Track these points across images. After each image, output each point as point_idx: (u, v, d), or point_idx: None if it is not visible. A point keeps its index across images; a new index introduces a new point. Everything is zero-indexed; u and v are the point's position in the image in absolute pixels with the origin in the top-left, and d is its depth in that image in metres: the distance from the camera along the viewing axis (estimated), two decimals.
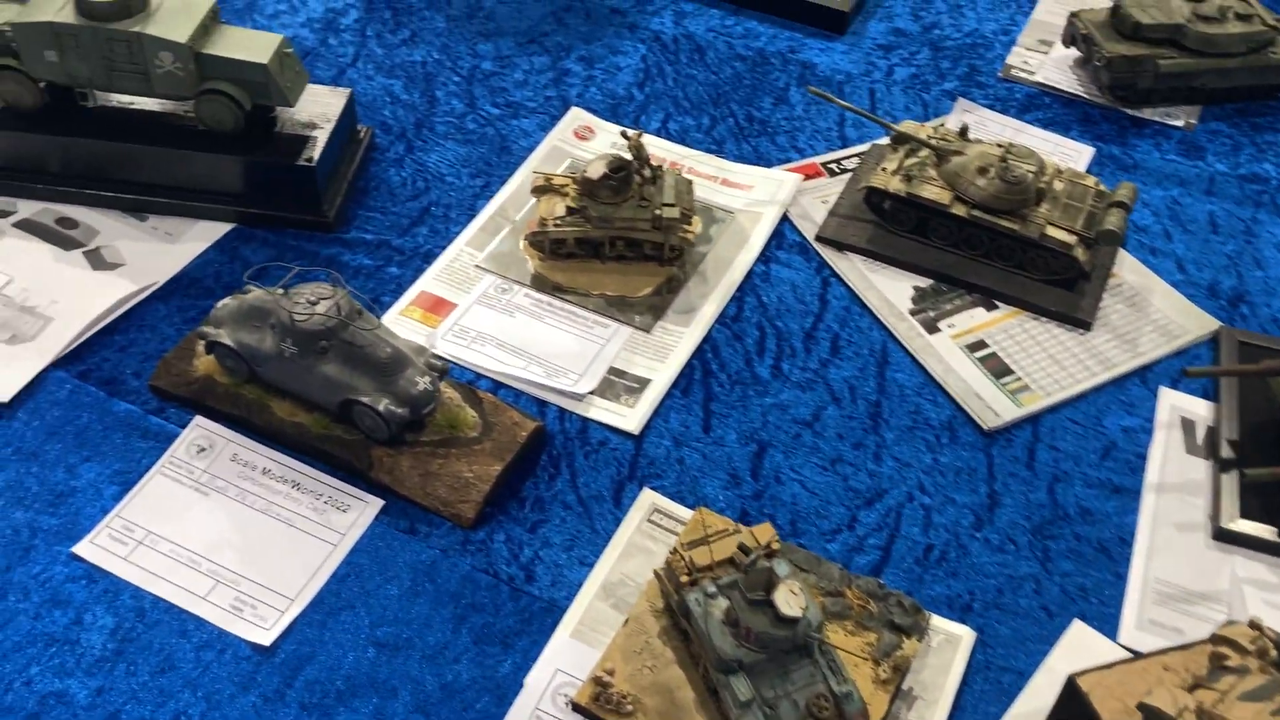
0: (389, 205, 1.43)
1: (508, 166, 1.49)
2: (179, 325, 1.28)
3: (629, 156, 1.33)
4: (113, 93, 1.36)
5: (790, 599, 0.92)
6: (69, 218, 1.39)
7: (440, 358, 1.17)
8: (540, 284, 1.35)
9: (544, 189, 1.39)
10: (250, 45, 1.33)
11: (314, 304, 1.11)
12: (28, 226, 1.37)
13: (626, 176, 1.32)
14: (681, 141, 1.55)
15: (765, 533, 0.99)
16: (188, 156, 1.36)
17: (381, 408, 1.11)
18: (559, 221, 1.34)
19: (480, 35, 1.70)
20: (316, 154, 1.36)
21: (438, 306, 1.32)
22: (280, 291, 1.14)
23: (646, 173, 1.34)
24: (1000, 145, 1.36)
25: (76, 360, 1.23)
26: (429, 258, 1.37)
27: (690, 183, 1.36)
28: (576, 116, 1.56)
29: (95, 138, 1.37)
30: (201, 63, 1.31)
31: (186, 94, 1.33)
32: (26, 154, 1.39)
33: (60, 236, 1.36)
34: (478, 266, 1.36)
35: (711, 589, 0.96)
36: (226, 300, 1.19)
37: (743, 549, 0.96)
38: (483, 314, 1.31)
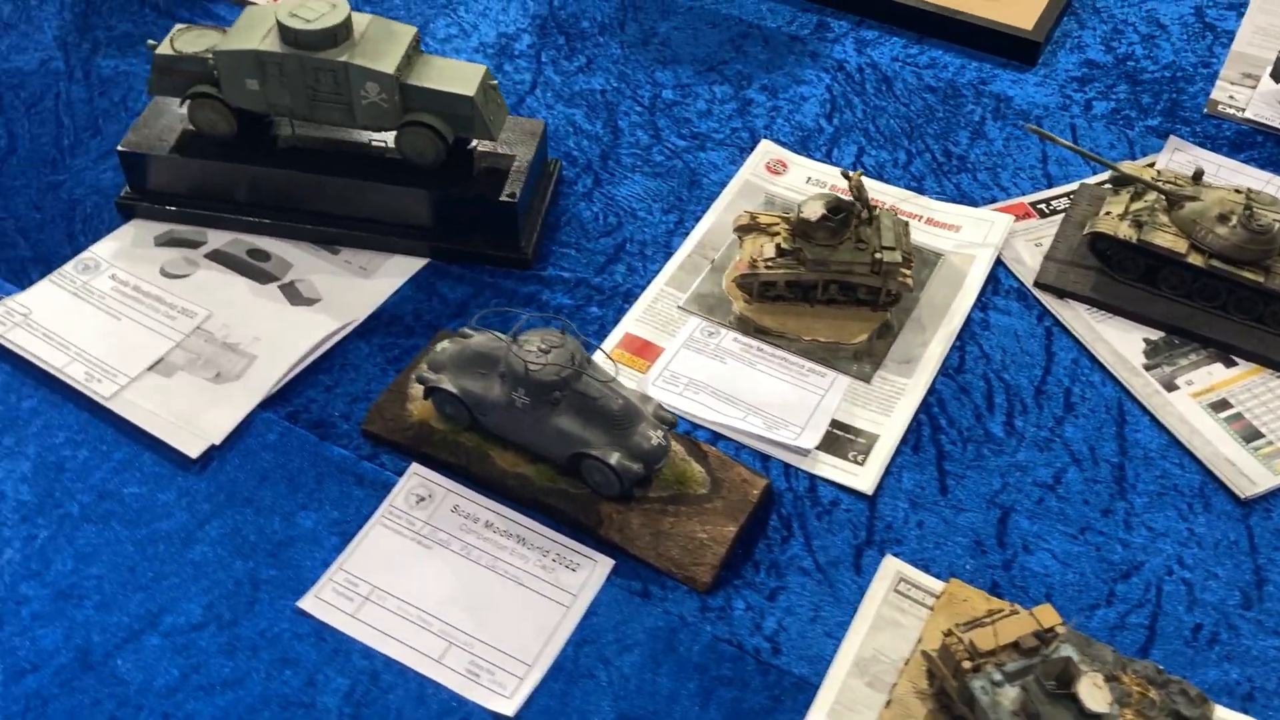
0: (582, 241, 1.39)
1: (700, 202, 1.44)
2: (382, 365, 1.23)
3: (846, 197, 1.27)
4: (311, 122, 1.33)
5: (1095, 693, 0.85)
6: (261, 249, 1.35)
7: (665, 409, 1.12)
8: (746, 327, 1.29)
9: (749, 228, 1.34)
10: (455, 76, 1.29)
11: (546, 352, 1.06)
12: (220, 258, 1.34)
13: (846, 218, 1.26)
14: (879, 178, 1.48)
15: (1049, 616, 0.92)
16: (384, 190, 1.32)
17: (615, 462, 1.05)
18: (770, 263, 1.28)
19: (657, 62, 1.65)
20: (518, 190, 1.32)
21: (644, 350, 1.26)
22: (508, 338, 1.10)
23: (864, 214, 1.28)
24: (1239, 191, 1.28)
25: (283, 401, 1.20)
26: (629, 297, 1.32)
27: (907, 224, 1.30)
28: (767, 150, 1.51)
29: (289, 168, 1.33)
30: (406, 94, 1.27)
31: (388, 125, 1.29)
32: (217, 183, 1.35)
33: (254, 269, 1.33)
34: (680, 308, 1.31)
35: (998, 676, 0.89)
36: (445, 344, 1.15)
37: (1039, 636, 0.90)
38: (691, 359, 1.25)
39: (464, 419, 1.13)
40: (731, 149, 1.52)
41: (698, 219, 1.42)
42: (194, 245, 1.35)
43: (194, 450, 1.14)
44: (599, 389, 1.06)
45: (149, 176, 1.36)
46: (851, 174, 1.27)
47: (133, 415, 1.16)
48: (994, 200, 1.46)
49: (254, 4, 1.68)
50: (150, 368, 1.20)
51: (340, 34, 1.25)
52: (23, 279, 1.31)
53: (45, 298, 1.27)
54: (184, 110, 1.34)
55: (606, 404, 1.06)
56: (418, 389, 1.18)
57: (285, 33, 1.24)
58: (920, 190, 1.47)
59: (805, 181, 1.47)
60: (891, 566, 1.07)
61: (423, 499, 1.11)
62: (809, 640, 1.02)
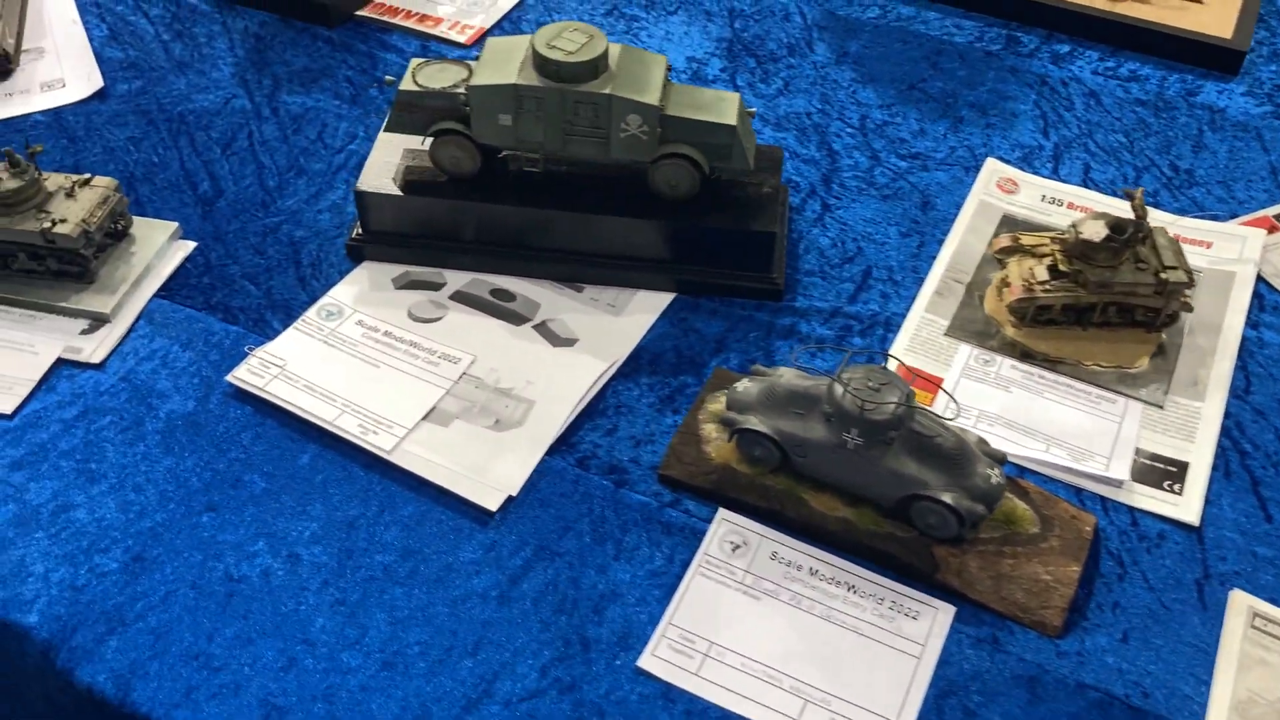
0: (826, 269, 1.34)
1: (936, 224, 1.40)
2: (656, 405, 1.19)
3: (1119, 215, 1.24)
4: (561, 158, 1.28)
5: None
6: (503, 289, 1.31)
7: (988, 444, 1.07)
8: (1014, 350, 1.25)
9: (1012, 250, 1.30)
10: (712, 105, 1.24)
11: (876, 390, 1.02)
12: (465, 300, 1.29)
13: (1129, 238, 1.22)
14: (1112, 194, 1.45)
15: None
16: (632, 224, 1.28)
17: (955, 503, 1.01)
18: (1047, 286, 1.24)
19: (856, 82, 1.61)
20: (775, 220, 1.27)
21: (922, 382, 1.22)
22: (833, 376, 1.05)
23: (1139, 233, 1.24)
24: None
25: (568, 447, 1.15)
26: (890, 326, 1.28)
27: (1178, 242, 1.26)
28: (995, 169, 1.47)
29: (533, 206, 1.28)
30: (665, 125, 1.23)
31: (644, 158, 1.25)
32: (455, 222, 1.31)
33: (502, 310, 1.28)
34: (946, 335, 1.27)
35: None
36: (745, 384, 1.10)
37: None
38: (975, 389, 1.21)
39: (774, 460, 1.08)
40: (954, 168, 1.48)
41: (939, 241, 1.38)
42: (435, 287, 1.30)
43: (492, 503, 1.09)
44: (933, 426, 1.02)
45: (385, 218, 1.31)
46: (1134, 192, 1.23)
47: (418, 468, 1.11)
48: (1234, 214, 1.42)
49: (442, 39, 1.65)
50: (425, 417, 1.16)
51: (600, 65, 1.21)
52: (264, 327, 1.26)
53: (296, 347, 1.22)
54: (424, 147, 1.29)
55: (942, 442, 1.02)
56: (710, 429, 1.13)
57: (544, 65, 1.20)
58: (1156, 205, 1.43)
59: (1041, 199, 1.43)
60: (1242, 601, 1.03)
61: (738, 546, 1.07)
62: (1175, 683, 0.98)
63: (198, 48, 1.66)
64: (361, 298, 1.29)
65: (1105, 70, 1.64)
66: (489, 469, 1.11)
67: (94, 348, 1.23)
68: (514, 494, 1.10)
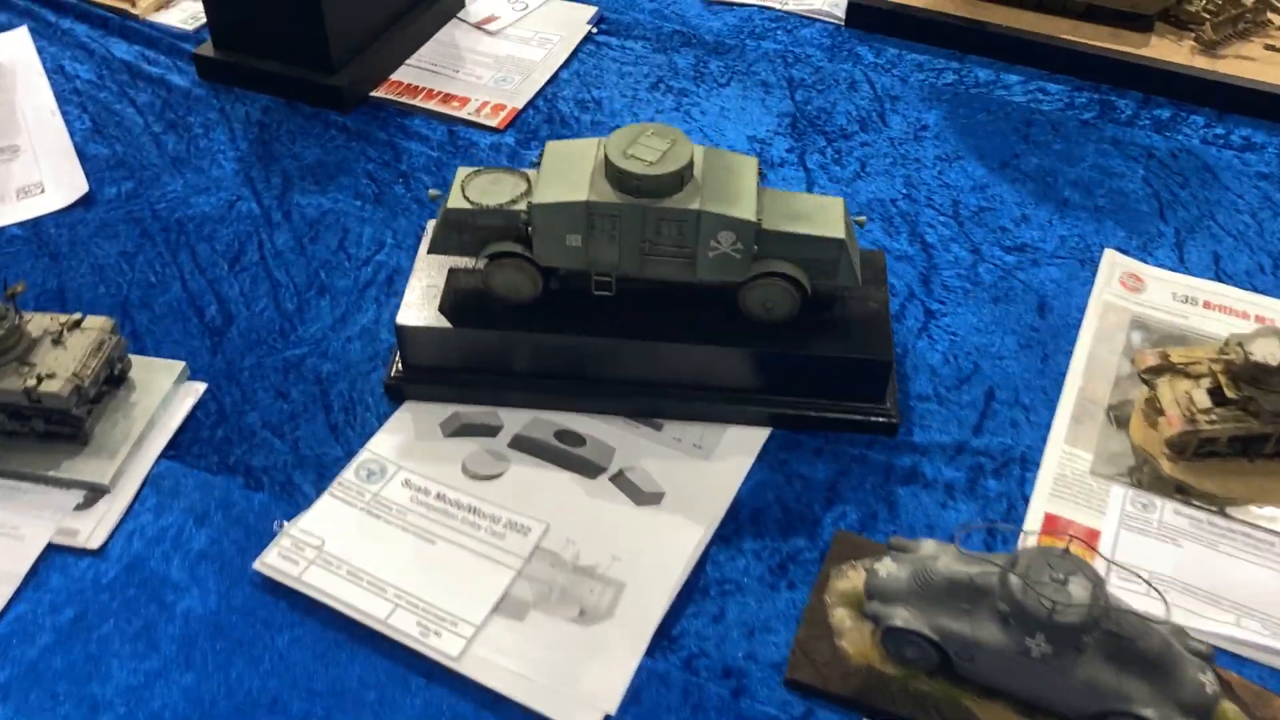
0: (940, 391, 1.16)
1: (1057, 331, 1.22)
2: (768, 580, 1.00)
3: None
4: (637, 279, 1.08)
5: None
6: (569, 430, 1.12)
7: (1191, 635, 0.89)
8: (1171, 489, 1.07)
9: (1161, 370, 1.12)
10: (813, 215, 1.06)
11: (1063, 582, 0.84)
12: (526, 446, 1.10)
13: None
14: (1250, 287, 1.28)
15: None
16: (722, 352, 1.10)
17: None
18: (1212, 416, 1.06)
19: (941, 161, 1.43)
20: (889, 342, 1.09)
21: (1072, 535, 1.04)
22: (996, 561, 0.87)
23: None
24: None
25: (667, 642, 0.95)
26: (1026, 463, 1.10)
27: None
28: (1115, 262, 1.29)
29: (602, 334, 1.10)
30: (761, 240, 1.05)
31: (737, 279, 1.07)
32: (512, 353, 1.12)
33: (572, 459, 1.09)
34: (1093, 474, 1.09)
35: None
36: (887, 564, 0.92)
37: None
38: (1137, 544, 1.03)
39: (931, 663, 0.89)
40: (1068, 261, 1.30)
41: (1066, 354, 1.20)
42: (491, 432, 1.11)
43: None
44: (1134, 626, 0.84)
45: (430, 352, 1.12)
46: None
47: (493, 680, 0.92)
48: None
49: (482, 125, 1.46)
50: (495, 609, 0.97)
51: (686, 175, 1.03)
52: (292, 492, 1.06)
53: (334, 520, 1.03)
54: (472, 266, 1.11)
55: (1145, 644, 0.83)
56: (842, 616, 0.94)
57: (621, 178, 1.01)
58: None
59: (1172, 298, 1.25)
60: None
61: None
62: None
63: (193, 140, 1.47)
64: (406, 450, 1.09)
65: (1216, 139, 1.47)
66: (579, 678, 0.92)
67: (91, 528, 1.03)
68: (611, 713, 0.91)
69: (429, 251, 1.10)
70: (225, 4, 1.53)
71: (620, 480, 1.07)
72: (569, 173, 1.05)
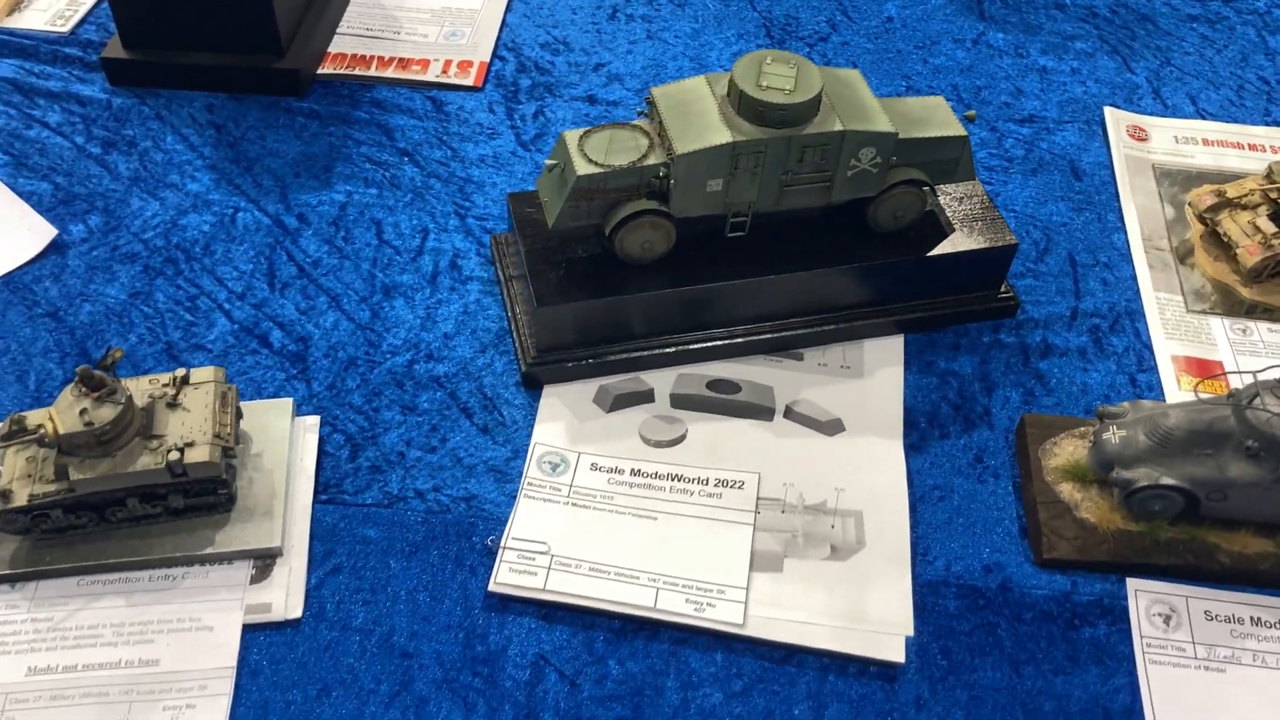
0: (1029, 265, 1.21)
1: (1098, 189, 1.29)
2: (974, 476, 1.03)
3: None
4: (770, 213, 1.06)
5: None
6: (721, 379, 1.09)
7: None
8: (1251, 312, 1.18)
9: (1217, 207, 1.22)
10: (931, 116, 1.07)
11: None
12: (691, 404, 1.06)
13: None
14: (1230, 119, 1.39)
15: None
16: (856, 271, 1.09)
17: None
18: None
19: (920, 50, 1.47)
20: (1006, 227, 1.13)
21: (1203, 368, 1.13)
22: (1228, 404, 0.93)
23: None
24: None
25: (922, 558, 0.97)
26: (1133, 315, 1.17)
27: None
28: (1119, 118, 1.37)
29: (740, 276, 1.06)
30: (898, 150, 1.05)
31: (872, 193, 1.06)
32: (647, 315, 1.07)
33: (740, 406, 1.06)
34: (1191, 312, 1.18)
35: None
36: (1113, 433, 0.96)
37: None
38: (1254, 364, 1.13)
39: (1175, 510, 0.95)
40: (1075, 124, 1.37)
41: (1114, 210, 1.28)
42: (647, 398, 1.07)
43: (894, 652, 0.89)
44: None
45: (564, 331, 1.06)
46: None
47: (784, 634, 0.90)
48: None
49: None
50: (753, 568, 0.94)
51: (821, 99, 1.01)
52: (478, 506, 0.98)
53: (543, 522, 0.96)
54: (607, 235, 1.04)
55: None
56: (1069, 490, 0.98)
57: (763, 111, 0.98)
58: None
59: (1175, 141, 1.36)
60: None
61: (1168, 617, 0.94)
62: None
63: (144, 155, 1.29)
64: (575, 434, 1.04)
65: None
66: (865, 611, 0.92)
67: (282, 597, 0.92)
68: (910, 635, 0.92)
69: (556, 227, 1.03)
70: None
71: (795, 415, 1.07)
72: (696, 117, 1.01)
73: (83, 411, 0.89)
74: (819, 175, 1.03)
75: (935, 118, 1.07)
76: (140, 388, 0.94)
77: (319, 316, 1.13)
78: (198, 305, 1.14)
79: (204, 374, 0.96)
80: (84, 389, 0.90)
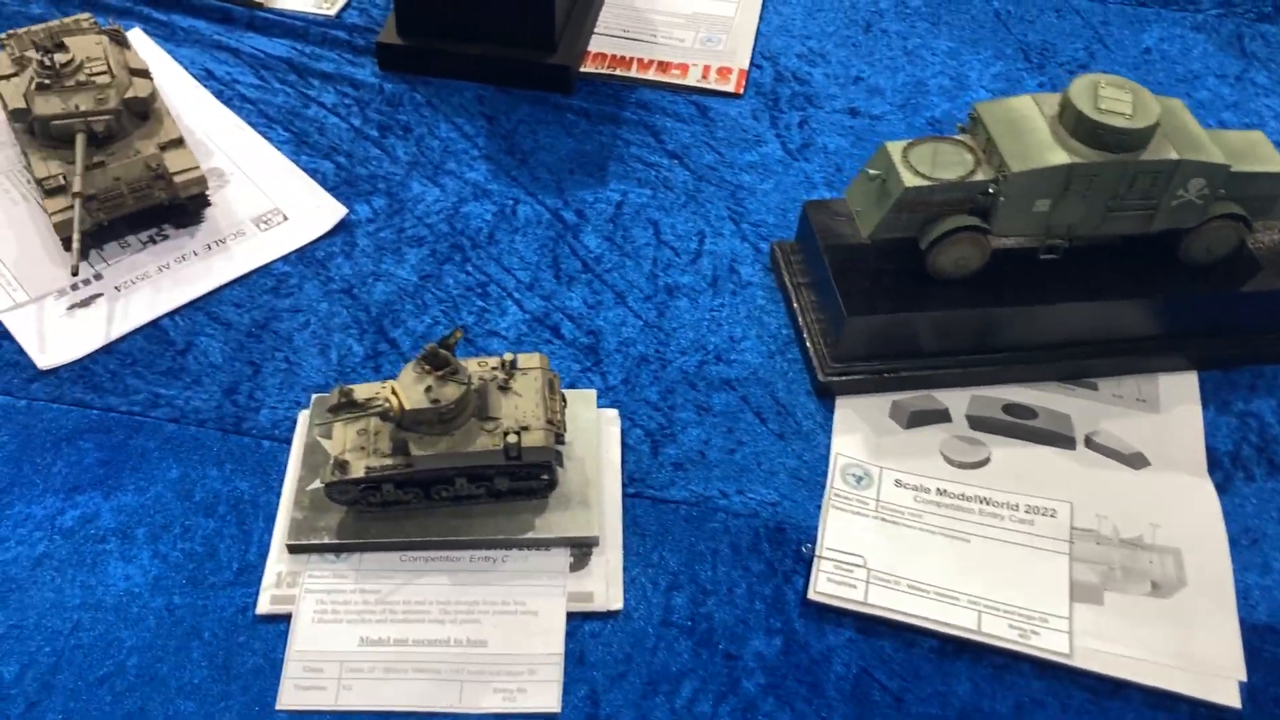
0: None
1: None
2: None
3: None
4: (1088, 237, 1.05)
5: None
6: (1015, 404, 1.07)
7: None
8: None
9: None
10: (1254, 150, 1.05)
11: None
12: (987, 426, 1.05)
13: None
14: None
15: None
16: (1157, 303, 1.07)
17: None
18: None
19: (1181, 83, 1.45)
20: None
21: None
22: None
23: None
24: None
25: (1243, 600, 0.95)
26: None
27: None
28: None
29: (1047, 300, 1.05)
30: (1227, 183, 1.03)
31: (1191, 224, 1.05)
32: (948, 332, 1.06)
33: (1036, 432, 1.05)
34: None
35: None
36: None
37: None
38: None
39: None
40: None
41: None
42: (944, 417, 1.06)
43: (1229, 695, 0.88)
44: None
45: (863, 342, 1.05)
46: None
47: (1110, 668, 0.89)
48: None
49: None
50: (1073, 598, 0.93)
51: (1157, 126, 1.00)
52: (791, 511, 0.97)
53: (855, 534, 0.95)
54: (923, 253, 1.03)
55: None
56: None
57: (1102, 134, 0.97)
58: None
59: None
60: None
61: None
62: None
63: (420, 141, 1.31)
64: (875, 448, 1.03)
65: None
66: (1192, 651, 0.90)
67: (604, 588, 0.92)
68: (1243, 679, 0.89)
69: (873, 237, 1.03)
70: None
71: (1096, 446, 1.05)
72: (1027, 135, 1.00)
73: (428, 389, 0.90)
74: (1144, 203, 1.02)
75: (1258, 153, 1.05)
76: (471, 369, 0.95)
77: (606, 311, 1.14)
78: (488, 292, 1.16)
79: (530, 360, 0.97)
80: (427, 367, 0.91)
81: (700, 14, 1.52)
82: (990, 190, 0.99)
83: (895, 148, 1.03)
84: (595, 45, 1.47)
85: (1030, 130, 1.01)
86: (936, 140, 1.03)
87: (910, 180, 1.00)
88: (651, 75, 1.43)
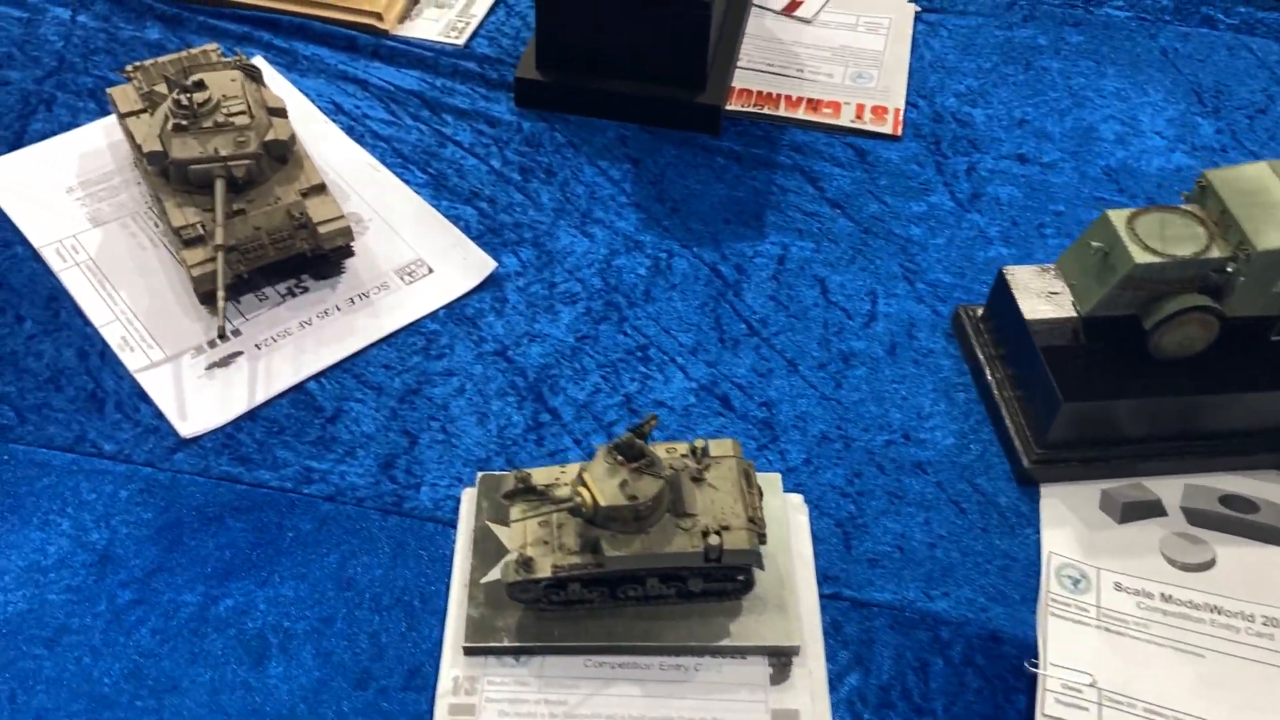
0: None
1: None
2: None
3: None
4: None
5: None
6: (1235, 495, 0.98)
7: None
8: None
9: None
10: None
11: None
12: (1206, 521, 0.96)
13: None
14: None
15: None
16: None
17: None
18: None
19: None
20: None
21: None
22: None
23: None
24: None
25: None
26: None
27: None
28: None
29: (1270, 386, 0.97)
30: None
31: None
32: (1159, 417, 0.97)
33: (1260, 528, 0.96)
34: None
35: None
36: None
37: None
38: None
39: None
40: None
41: None
42: (1158, 510, 0.97)
43: None
44: None
45: (1081, 427, 0.96)
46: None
47: None
48: None
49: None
50: None
51: None
52: (971, 613, 0.90)
53: (1079, 647, 0.86)
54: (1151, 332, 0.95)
55: None
56: None
57: None
58: None
59: None
60: None
61: None
62: None
63: (565, 185, 1.23)
64: (1089, 546, 0.94)
65: None
66: None
67: (808, 703, 0.84)
68: None
69: (1091, 313, 0.94)
70: (566, 21, 1.27)
71: None
72: (1270, 209, 0.91)
73: (623, 484, 0.82)
74: None
75: None
76: (660, 455, 0.88)
77: (778, 380, 1.06)
78: (649, 355, 1.08)
79: (723, 446, 0.89)
80: (621, 458, 0.84)
81: (848, 47, 1.44)
82: (1228, 269, 0.91)
83: (1119, 218, 0.94)
84: (739, 80, 1.38)
85: (1272, 204, 0.92)
86: (1163, 210, 0.94)
87: (1140, 257, 0.91)
88: (801, 114, 1.34)
